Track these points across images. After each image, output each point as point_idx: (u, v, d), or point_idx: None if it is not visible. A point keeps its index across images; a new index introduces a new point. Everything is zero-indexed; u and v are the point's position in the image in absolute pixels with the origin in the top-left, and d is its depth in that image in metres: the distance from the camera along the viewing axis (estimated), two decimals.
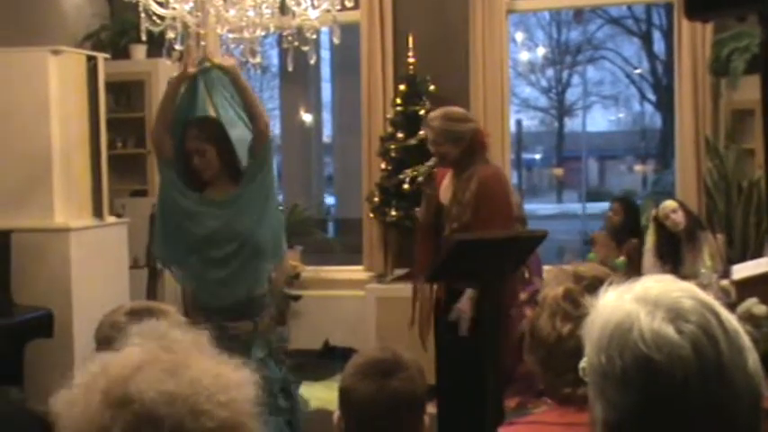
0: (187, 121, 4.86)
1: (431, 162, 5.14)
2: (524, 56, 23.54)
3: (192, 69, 4.83)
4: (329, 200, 19.80)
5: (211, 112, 4.95)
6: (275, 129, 24.91)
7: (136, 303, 3.02)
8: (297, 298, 8.26)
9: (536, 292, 4.51)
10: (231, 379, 1.37)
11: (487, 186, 5.03)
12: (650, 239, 6.97)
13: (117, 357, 1.37)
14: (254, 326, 4.82)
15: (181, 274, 5.07)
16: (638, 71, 23.56)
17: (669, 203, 6.92)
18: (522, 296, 6.38)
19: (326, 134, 20.49)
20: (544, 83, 25.39)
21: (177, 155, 4.83)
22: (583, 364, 1.56)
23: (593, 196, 20.79)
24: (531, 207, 22.54)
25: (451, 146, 5.03)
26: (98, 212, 7.12)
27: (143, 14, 4.89)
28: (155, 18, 4.90)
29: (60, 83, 6.78)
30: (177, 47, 4.92)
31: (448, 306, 5.08)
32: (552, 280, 2.48)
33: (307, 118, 19.24)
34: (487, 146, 5.34)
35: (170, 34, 4.92)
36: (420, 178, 5.23)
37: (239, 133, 4.90)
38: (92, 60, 7.16)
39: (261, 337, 4.83)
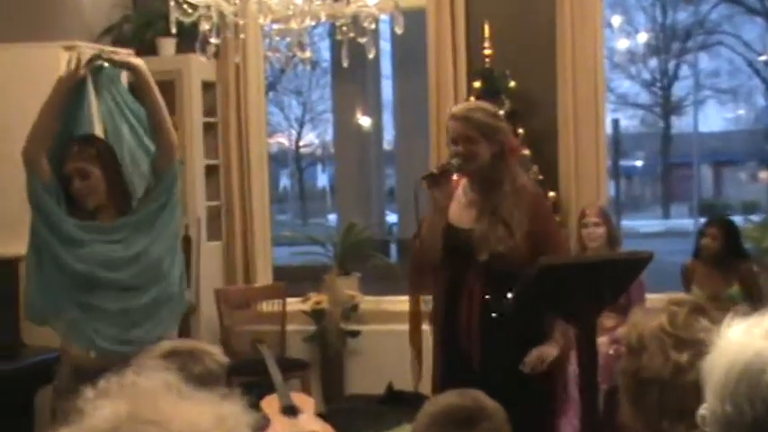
0: (69, 137, 4.71)
1: (454, 161, 4.83)
2: (622, 44, 23.47)
3: (81, 70, 4.71)
4: (391, 218, 19.83)
5: (97, 123, 4.86)
6: (327, 134, 25.07)
7: (178, 343, 3.02)
8: (355, 334, 8.26)
9: None
10: (221, 412, 1.41)
11: (541, 204, 4.99)
12: None
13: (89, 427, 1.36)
14: None
15: (64, 327, 4.73)
16: (762, 58, 23.31)
17: None
18: (621, 330, 6.29)
19: (387, 140, 20.57)
20: (646, 75, 25.29)
21: (56, 178, 4.66)
22: (702, 411, 1.55)
23: (707, 210, 20.56)
24: (632, 224, 22.46)
25: (486, 145, 4.80)
26: None
27: (172, 3, 4.91)
28: (186, 7, 4.92)
29: None
30: (213, 40, 4.94)
31: (489, 351, 4.79)
32: (639, 321, 2.43)
33: (364, 121, 19.32)
34: (519, 154, 5.23)
35: (204, 26, 4.94)
36: (434, 170, 4.94)
37: (128, 152, 4.79)
38: None
39: None
